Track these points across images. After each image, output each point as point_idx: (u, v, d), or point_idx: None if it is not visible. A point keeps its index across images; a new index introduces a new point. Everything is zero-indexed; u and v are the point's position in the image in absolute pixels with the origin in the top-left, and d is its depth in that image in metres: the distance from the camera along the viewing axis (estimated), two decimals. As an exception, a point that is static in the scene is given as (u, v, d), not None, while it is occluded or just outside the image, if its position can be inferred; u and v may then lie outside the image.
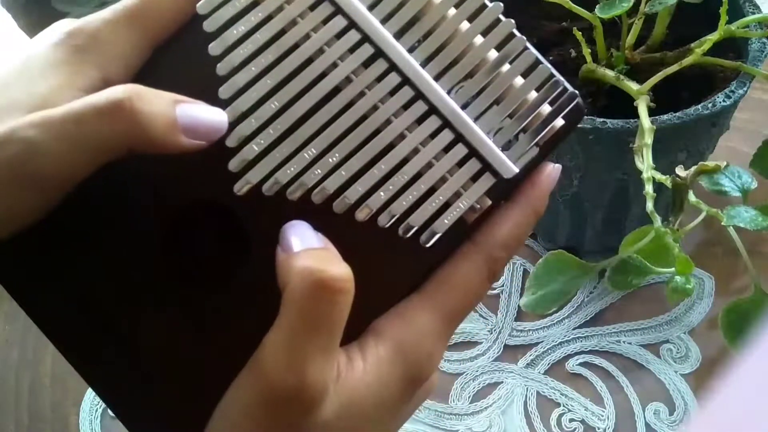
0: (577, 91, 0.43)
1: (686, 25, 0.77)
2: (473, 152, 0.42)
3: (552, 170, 0.44)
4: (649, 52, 0.77)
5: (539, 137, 0.43)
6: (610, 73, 0.73)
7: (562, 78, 0.43)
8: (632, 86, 0.70)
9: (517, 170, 0.43)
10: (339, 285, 0.38)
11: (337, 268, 0.38)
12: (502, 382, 0.76)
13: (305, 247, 0.39)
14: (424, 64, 0.43)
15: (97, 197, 0.42)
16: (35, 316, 0.42)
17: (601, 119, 0.68)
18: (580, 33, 0.72)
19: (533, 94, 0.43)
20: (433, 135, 0.42)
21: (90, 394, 0.76)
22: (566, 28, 0.81)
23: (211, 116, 0.41)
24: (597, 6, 0.70)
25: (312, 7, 0.42)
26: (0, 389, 0.77)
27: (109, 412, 0.74)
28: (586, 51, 0.74)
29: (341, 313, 0.38)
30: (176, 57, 0.43)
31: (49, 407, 0.76)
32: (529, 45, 0.43)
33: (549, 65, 0.43)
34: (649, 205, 0.64)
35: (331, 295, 0.38)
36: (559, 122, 0.43)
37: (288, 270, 0.38)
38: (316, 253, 0.39)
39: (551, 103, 0.43)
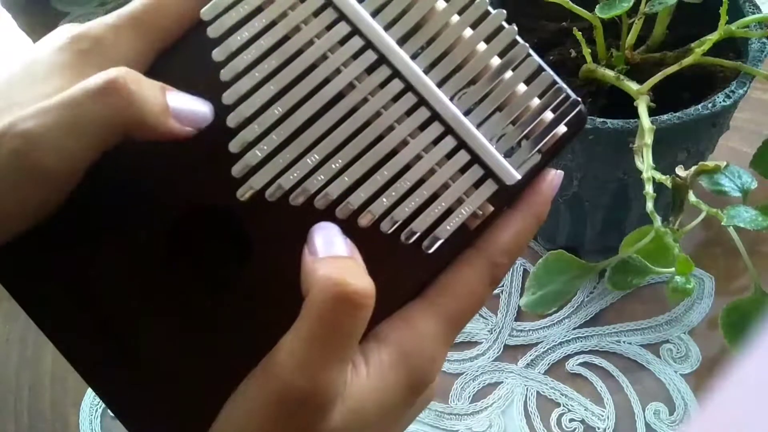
0: (579, 99, 0.43)
1: (686, 25, 0.77)
2: (475, 159, 0.42)
3: (554, 177, 0.44)
4: (649, 52, 0.77)
5: (541, 144, 0.43)
6: (610, 73, 0.73)
7: (565, 85, 0.43)
8: (632, 86, 0.70)
9: (519, 177, 0.43)
10: (360, 300, 0.38)
11: (361, 282, 0.38)
12: (502, 382, 0.76)
13: (331, 254, 0.40)
14: (427, 71, 0.43)
15: (99, 200, 0.42)
16: (35, 317, 0.42)
17: (601, 119, 0.68)
18: (580, 33, 0.72)
19: (536, 101, 0.43)
20: (436, 141, 0.42)
21: (90, 393, 0.76)
22: (566, 28, 0.81)
23: (196, 104, 0.41)
24: (597, 6, 0.70)
25: (315, 14, 0.42)
26: (0, 389, 0.77)
27: (109, 411, 0.74)
28: (586, 51, 0.74)
29: (359, 327, 0.38)
30: (180, 62, 0.43)
31: (49, 407, 0.76)
32: (531, 52, 0.43)
33: (552, 72, 0.43)
34: (649, 205, 0.64)
35: (352, 308, 0.38)
36: (562, 129, 0.43)
37: (312, 276, 0.38)
38: (342, 263, 0.39)
39: (554, 110, 0.43)
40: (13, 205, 0.38)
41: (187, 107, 0.41)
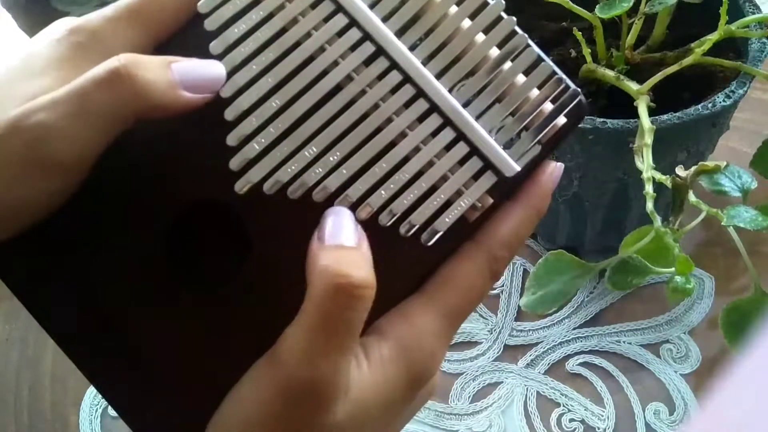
0: (579, 89, 0.43)
1: (686, 25, 0.77)
2: (474, 150, 0.42)
3: (554, 169, 0.44)
4: (649, 52, 0.77)
5: (541, 135, 0.43)
6: (610, 73, 0.73)
7: (564, 75, 0.43)
8: (632, 86, 0.70)
9: (518, 168, 0.42)
10: (359, 293, 0.38)
11: (361, 274, 0.38)
12: (502, 382, 0.76)
13: (337, 243, 0.39)
14: (425, 63, 0.42)
15: (99, 196, 0.42)
16: (38, 315, 0.42)
17: (601, 119, 0.68)
18: (580, 33, 0.72)
19: (535, 92, 0.43)
20: (435, 133, 0.42)
21: (90, 393, 0.76)
22: (566, 28, 0.81)
23: (206, 67, 0.41)
24: (597, 6, 0.70)
25: (313, 6, 0.42)
26: (0, 389, 0.77)
27: (109, 411, 0.75)
28: (586, 51, 0.74)
29: (359, 318, 0.38)
30: (177, 55, 0.42)
31: (49, 407, 0.76)
32: (530, 42, 0.43)
33: (551, 63, 0.43)
34: (649, 205, 0.64)
35: (351, 300, 0.38)
36: (561, 120, 0.43)
37: (314, 265, 0.38)
38: (344, 254, 0.39)
39: (553, 101, 0.43)
40: (26, 196, 0.39)
41: (196, 74, 0.40)
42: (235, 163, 0.42)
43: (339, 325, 0.38)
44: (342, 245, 0.39)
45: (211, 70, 0.41)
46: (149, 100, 0.39)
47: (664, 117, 0.68)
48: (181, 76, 0.40)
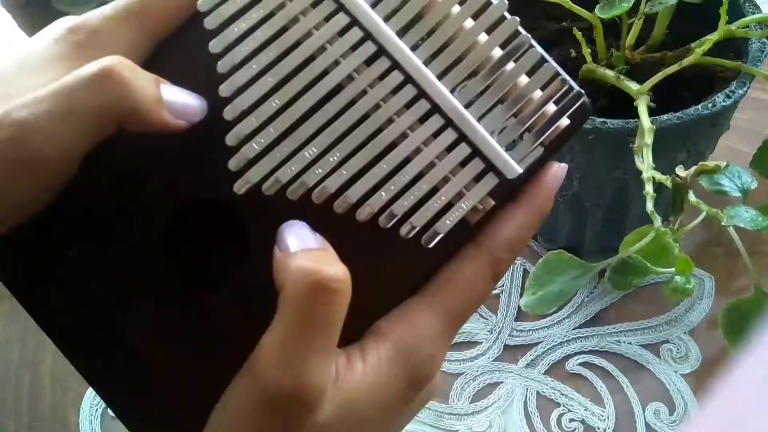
0: (582, 90, 0.43)
1: (686, 25, 0.77)
2: (476, 152, 0.42)
3: (557, 170, 0.43)
4: (649, 52, 0.77)
5: (544, 137, 0.42)
6: (610, 73, 0.73)
7: (567, 77, 0.43)
8: (632, 86, 0.70)
9: (520, 170, 0.42)
10: (335, 286, 0.37)
11: (333, 269, 0.38)
12: (502, 382, 0.76)
13: (302, 248, 0.39)
14: (427, 63, 0.42)
15: (97, 196, 0.41)
16: (35, 314, 0.42)
17: (601, 119, 0.68)
18: (580, 33, 0.72)
19: (538, 93, 0.43)
20: (436, 134, 0.42)
21: (90, 394, 0.76)
22: (566, 28, 0.81)
23: (189, 98, 0.41)
24: (597, 6, 0.70)
25: (314, 5, 0.42)
26: (0, 389, 0.77)
27: (109, 411, 0.74)
28: (586, 51, 0.74)
29: (338, 314, 0.38)
30: (177, 54, 0.42)
31: (49, 407, 0.76)
32: (534, 43, 0.43)
33: (554, 63, 0.43)
34: (649, 205, 0.64)
35: (327, 295, 0.37)
36: (565, 122, 0.43)
37: (284, 270, 0.38)
38: (313, 254, 0.39)
39: (556, 102, 0.43)
40: (7, 194, 0.38)
41: (180, 100, 0.40)
42: (234, 163, 0.41)
43: (318, 325, 0.37)
44: (309, 248, 0.39)
45: (194, 101, 0.41)
46: (134, 106, 0.38)
47: (664, 117, 0.68)
48: (167, 96, 0.40)
